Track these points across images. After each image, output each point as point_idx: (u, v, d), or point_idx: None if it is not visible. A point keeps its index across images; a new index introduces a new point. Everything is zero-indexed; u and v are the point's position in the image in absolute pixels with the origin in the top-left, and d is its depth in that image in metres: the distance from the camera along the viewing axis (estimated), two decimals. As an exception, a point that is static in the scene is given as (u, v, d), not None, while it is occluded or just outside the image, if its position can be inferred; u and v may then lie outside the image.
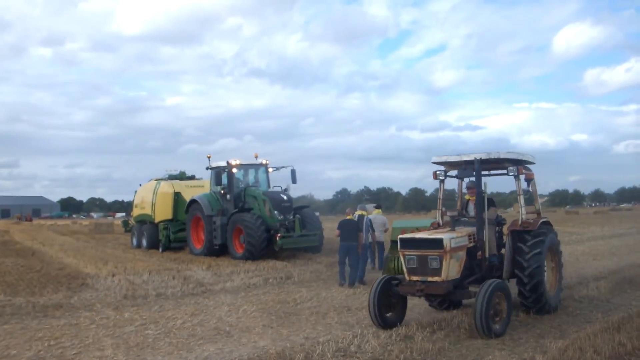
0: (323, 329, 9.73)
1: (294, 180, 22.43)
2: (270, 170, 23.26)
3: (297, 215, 20.84)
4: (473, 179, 10.60)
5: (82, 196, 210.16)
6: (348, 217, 15.39)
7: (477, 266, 10.06)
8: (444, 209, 11.39)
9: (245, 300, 12.66)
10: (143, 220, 26.94)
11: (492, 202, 10.74)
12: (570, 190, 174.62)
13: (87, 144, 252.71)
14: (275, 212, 20.54)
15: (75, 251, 25.36)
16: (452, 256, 9.16)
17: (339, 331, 9.49)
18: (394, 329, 9.31)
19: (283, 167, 23.01)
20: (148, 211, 26.25)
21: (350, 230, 14.77)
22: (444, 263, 9.02)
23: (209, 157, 23.09)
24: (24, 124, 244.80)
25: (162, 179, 27.24)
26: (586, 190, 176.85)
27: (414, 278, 9.30)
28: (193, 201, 22.73)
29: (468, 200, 11.21)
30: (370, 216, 16.70)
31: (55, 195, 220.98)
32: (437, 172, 10.85)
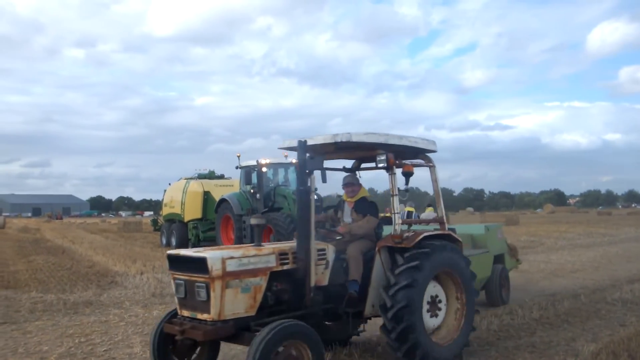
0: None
1: (324, 180, 22.33)
2: None
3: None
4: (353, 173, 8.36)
5: (111, 195, 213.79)
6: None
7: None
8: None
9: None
10: (172, 219, 27.23)
11: (372, 207, 8.00)
12: (603, 191, 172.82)
13: (117, 144, 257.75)
14: None
15: (104, 249, 25.68)
16: (230, 284, 6.21)
17: (367, 331, 9.42)
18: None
19: None
20: (177, 210, 26.53)
21: None
22: (212, 294, 6.12)
23: (238, 156, 23.19)
24: (56, 124, 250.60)
25: (191, 178, 27.51)
26: (619, 190, 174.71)
27: (185, 313, 6.57)
28: (223, 200, 22.85)
29: (344, 201, 8.33)
30: (423, 214, 16.52)
31: (84, 194, 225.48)
32: None
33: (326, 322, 7.77)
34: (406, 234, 7.38)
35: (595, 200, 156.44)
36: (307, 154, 7.21)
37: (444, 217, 8.27)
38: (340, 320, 7.52)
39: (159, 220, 32.11)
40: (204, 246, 25.09)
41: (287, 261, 6.79)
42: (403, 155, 7.83)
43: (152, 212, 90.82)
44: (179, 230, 26.28)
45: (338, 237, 7.66)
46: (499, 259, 11.86)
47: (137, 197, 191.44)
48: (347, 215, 8.09)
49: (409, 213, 15.36)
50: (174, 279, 6.60)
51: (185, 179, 27.79)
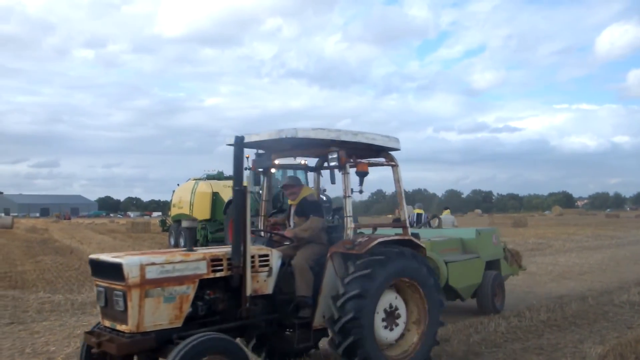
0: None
1: (332, 181, 22.28)
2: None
3: (337, 217, 20.74)
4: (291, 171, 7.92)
5: (120, 195, 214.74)
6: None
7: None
8: (274, 216, 8.78)
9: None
10: (181, 220, 27.26)
11: (314, 206, 7.50)
12: (611, 193, 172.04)
13: (125, 144, 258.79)
14: None
15: (112, 250, 25.72)
16: (150, 293, 5.66)
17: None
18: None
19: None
20: (186, 211, 26.58)
21: None
22: (129, 304, 5.56)
23: (247, 157, 23.21)
24: (65, 124, 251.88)
25: (200, 179, 27.57)
26: (628, 193, 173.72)
27: (106, 323, 5.94)
28: (231, 201, 22.86)
29: (290, 205, 7.91)
30: (442, 216, 16.54)
31: (93, 195, 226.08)
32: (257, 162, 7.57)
33: (287, 332, 7.23)
34: (359, 240, 6.83)
35: (604, 202, 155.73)
36: (259, 151, 7.09)
37: (407, 222, 7.62)
38: (295, 332, 6.90)
39: (167, 221, 32.16)
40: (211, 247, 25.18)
41: (220, 268, 6.21)
42: (363, 153, 7.34)
43: (160, 213, 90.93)
44: (188, 231, 26.34)
45: (286, 243, 7.31)
46: (492, 265, 11.36)
47: (145, 198, 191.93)
48: (292, 219, 7.67)
49: (419, 215, 15.25)
50: (96, 285, 6.05)
51: (194, 179, 27.84)
